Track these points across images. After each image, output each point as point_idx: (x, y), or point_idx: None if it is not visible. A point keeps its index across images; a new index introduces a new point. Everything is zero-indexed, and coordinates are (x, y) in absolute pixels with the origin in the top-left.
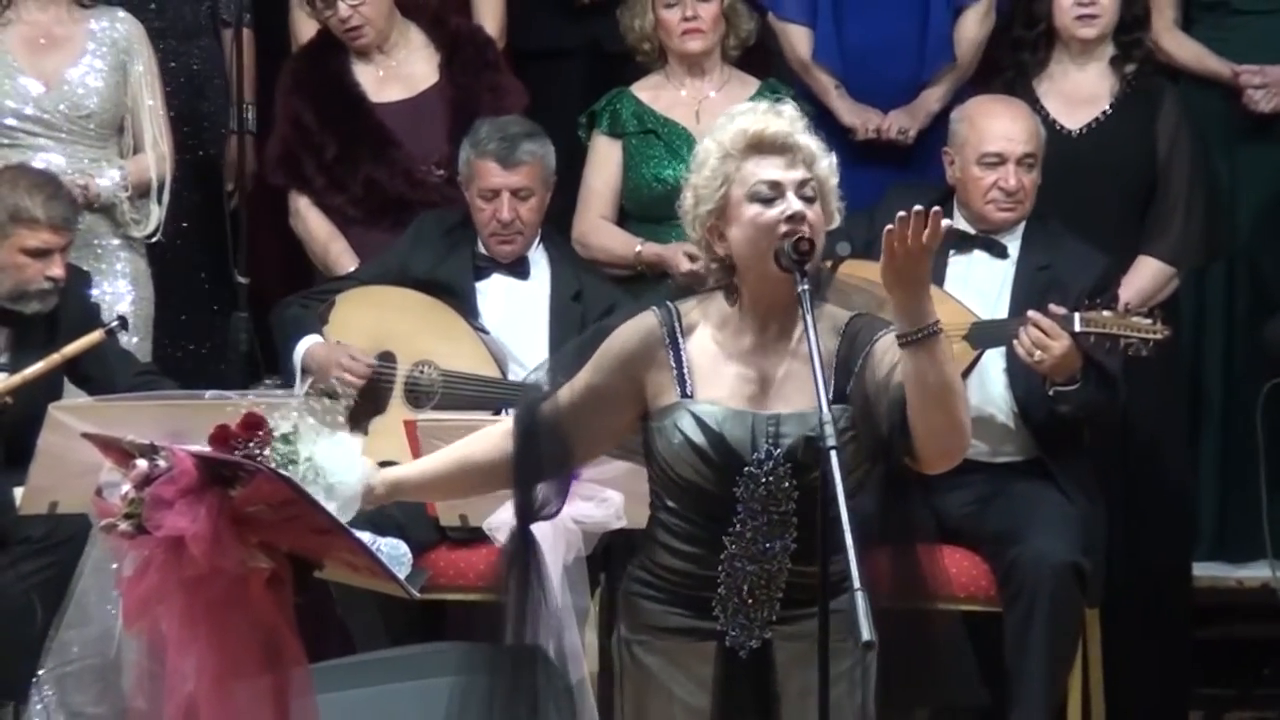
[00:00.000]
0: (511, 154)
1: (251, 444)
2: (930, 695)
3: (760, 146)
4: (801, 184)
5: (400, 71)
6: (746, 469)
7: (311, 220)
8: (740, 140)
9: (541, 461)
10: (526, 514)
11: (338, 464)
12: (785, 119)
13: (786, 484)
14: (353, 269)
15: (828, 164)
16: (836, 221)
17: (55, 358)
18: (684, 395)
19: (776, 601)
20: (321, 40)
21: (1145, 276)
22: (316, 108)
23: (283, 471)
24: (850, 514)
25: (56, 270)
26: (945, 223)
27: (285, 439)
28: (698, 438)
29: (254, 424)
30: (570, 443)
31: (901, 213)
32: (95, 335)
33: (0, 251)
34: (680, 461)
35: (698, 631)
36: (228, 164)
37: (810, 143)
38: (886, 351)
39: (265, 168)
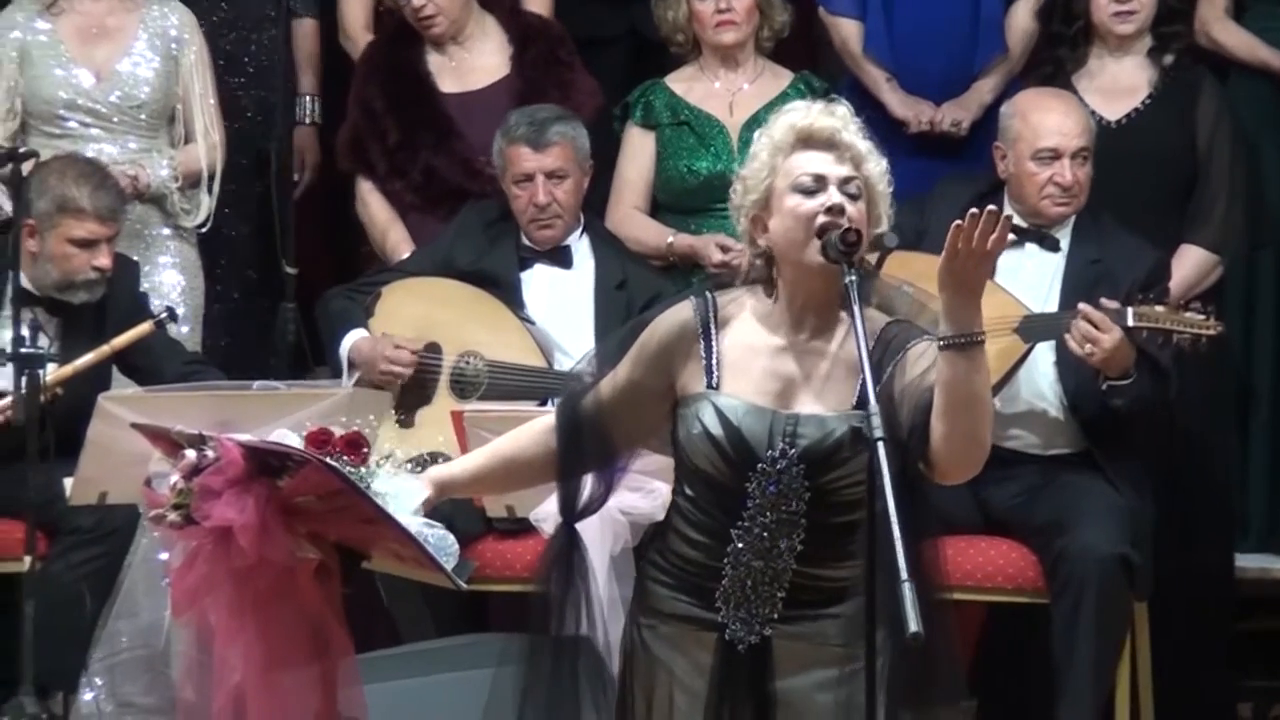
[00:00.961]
0: (541, 136)
1: (345, 458)
2: (927, 698)
3: (808, 141)
4: (846, 180)
5: (472, 63)
6: (760, 465)
7: (373, 205)
8: (789, 134)
9: (585, 455)
10: (571, 508)
11: (401, 497)
12: (837, 118)
13: (798, 484)
14: (407, 256)
15: (877, 167)
16: (884, 226)
17: (105, 349)
18: (710, 386)
19: (779, 600)
20: (399, 28)
21: (1188, 265)
22: (386, 94)
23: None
24: (898, 507)
25: (103, 260)
26: (1006, 213)
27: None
28: (716, 429)
29: (356, 443)
30: (612, 436)
31: (974, 210)
32: (144, 327)
33: (47, 241)
34: (697, 451)
35: (700, 620)
36: (293, 154)
37: (860, 143)
38: (920, 357)
39: (336, 152)
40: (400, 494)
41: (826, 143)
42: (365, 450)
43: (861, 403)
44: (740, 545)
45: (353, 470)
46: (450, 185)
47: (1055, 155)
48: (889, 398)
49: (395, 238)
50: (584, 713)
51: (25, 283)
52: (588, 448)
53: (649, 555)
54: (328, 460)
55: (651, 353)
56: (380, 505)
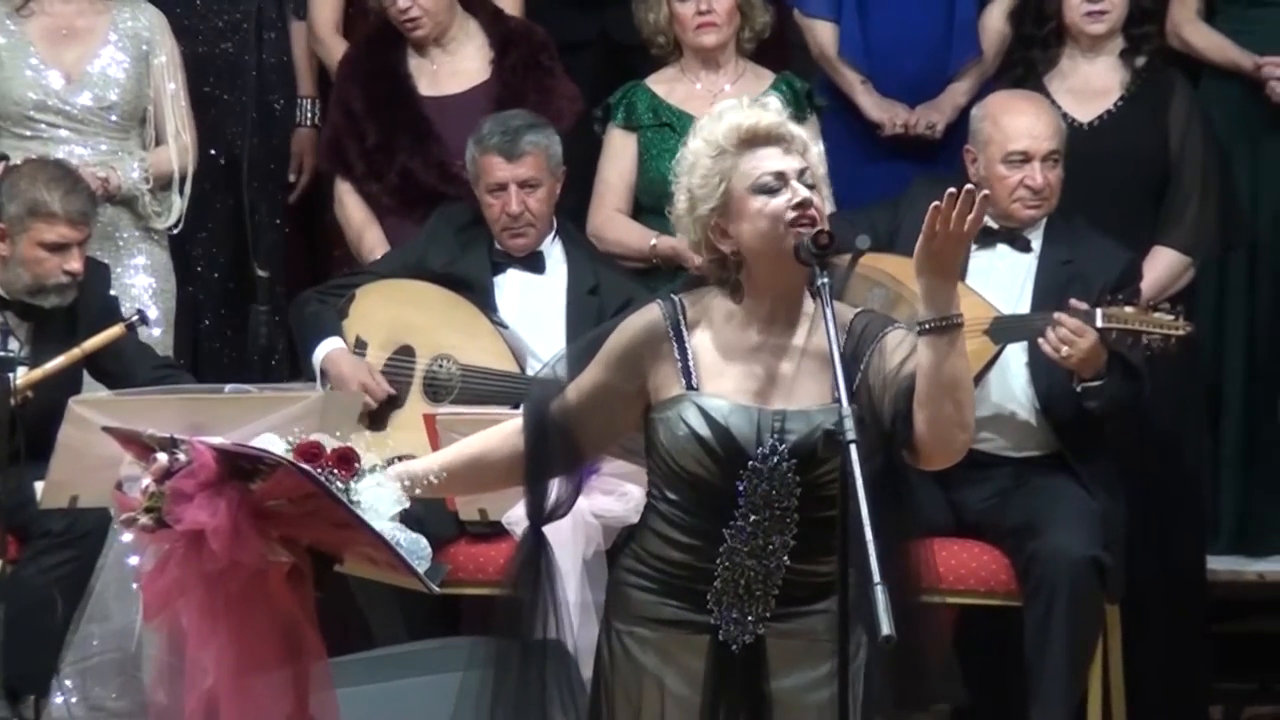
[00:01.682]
0: (515, 146)
1: (334, 472)
2: (915, 693)
3: (755, 140)
4: (801, 172)
5: (453, 66)
6: (751, 464)
7: (350, 206)
8: (734, 136)
9: (552, 458)
10: (539, 511)
11: (378, 507)
12: (773, 110)
13: (790, 480)
14: (376, 259)
15: (817, 152)
16: (830, 208)
17: (75, 352)
18: (689, 388)
19: (772, 598)
20: (382, 29)
21: (1161, 267)
22: (366, 96)
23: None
24: (876, 508)
25: (74, 265)
26: (983, 191)
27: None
28: (703, 430)
29: (348, 458)
30: (579, 439)
31: (951, 189)
32: (115, 330)
33: (19, 246)
34: (684, 453)
35: (691, 624)
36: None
37: (801, 132)
38: (898, 345)
39: (318, 153)
40: (378, 503)
41: (774, 138)
42: (357, 465)
43: (848, 393)
44: (733, 545)
45: (341, 486)
46: (426, 188)
47: (1026, 158)
48: (867, 389)
49: (371, 239)
50: (552, 717)
51: None
52: (555, 450)
53: (625, 562)
54: (305, 468)
55: (620, 355)
56: (352, 509)
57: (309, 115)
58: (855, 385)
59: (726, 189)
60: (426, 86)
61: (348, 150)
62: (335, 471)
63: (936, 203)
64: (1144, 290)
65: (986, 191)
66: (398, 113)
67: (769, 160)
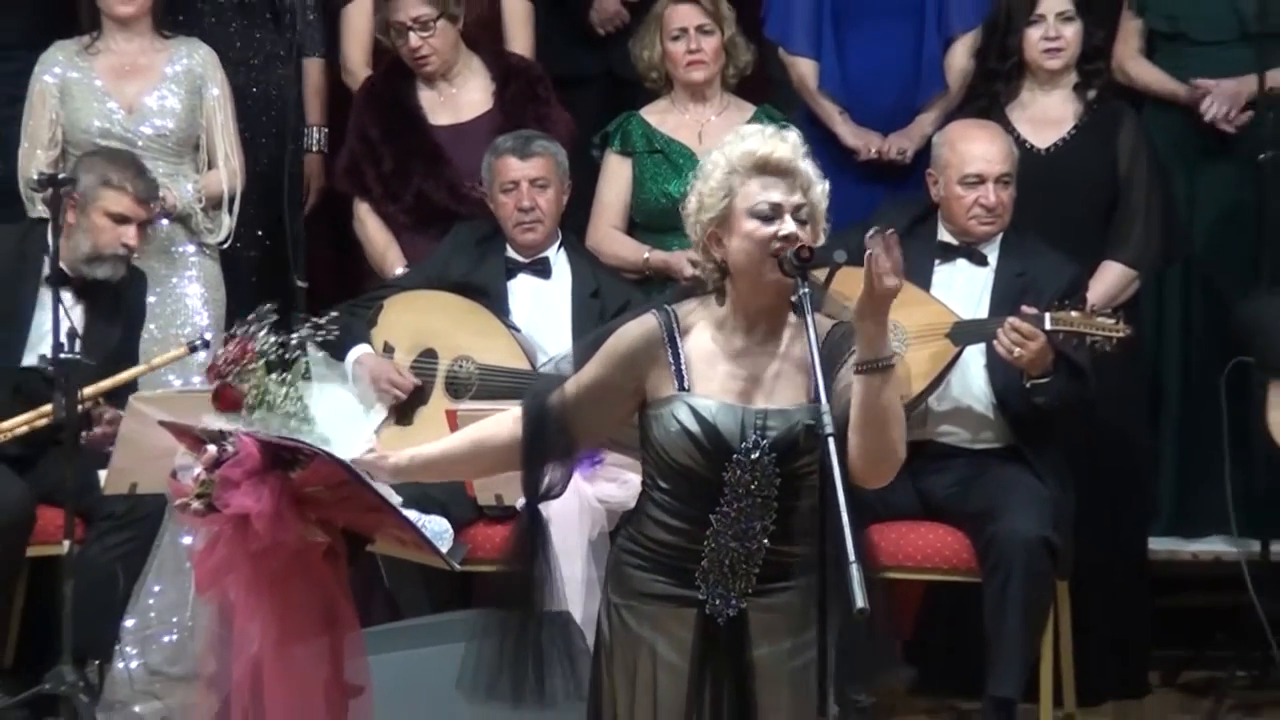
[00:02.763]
0: (527, 148)
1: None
2: (869, 671)
3: (765, 168)
4: (798, 208)
5: (458, 98)
6: (735, 456)
7: (370, 225)
8: (748, 160)
9: (548, 447)
10: (533, 493)
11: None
12: (789, 145)
13: (770, 471)
14: (401, 272)
15: (821, 190)
16: (822, 240)
17: (143, 368)
18: (681, 389)
19: (754, 575)
20: (393, 65)
21: (1109, 280)
22: (381, 125)
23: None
24: (847, 495)
25: (132, 238)
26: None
27: (283, 363)
28: (693, 427)
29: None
30: (574, 430)
31: (871, 233)
32: (180, 351)
33: (87, 214)
34: (676, 447)
35: (680, 599)
36: (303, 178)
37: (809, 170)
38: (849, 368)
39: (335, 176)
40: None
41: (783, 171)
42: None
43: (817, 396)
44: (718, 528)
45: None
46: (439, 207)
47: (980, 180)
48: (837, 394)
49: (392, 255)
50: (553, 682)
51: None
52: (550, 439)
53: (622, 543)
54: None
55: (620, 357)
56: (384, 495)
57: (315, 141)
58: (828, 389)
59: (729, 204)
60: (435, 116)
61: (365, 174)
62: (233, 363)
63: (870, 252)
64: (1094, 300)
65: (893, 230)
66: (411, 140)
67: (771, 190)
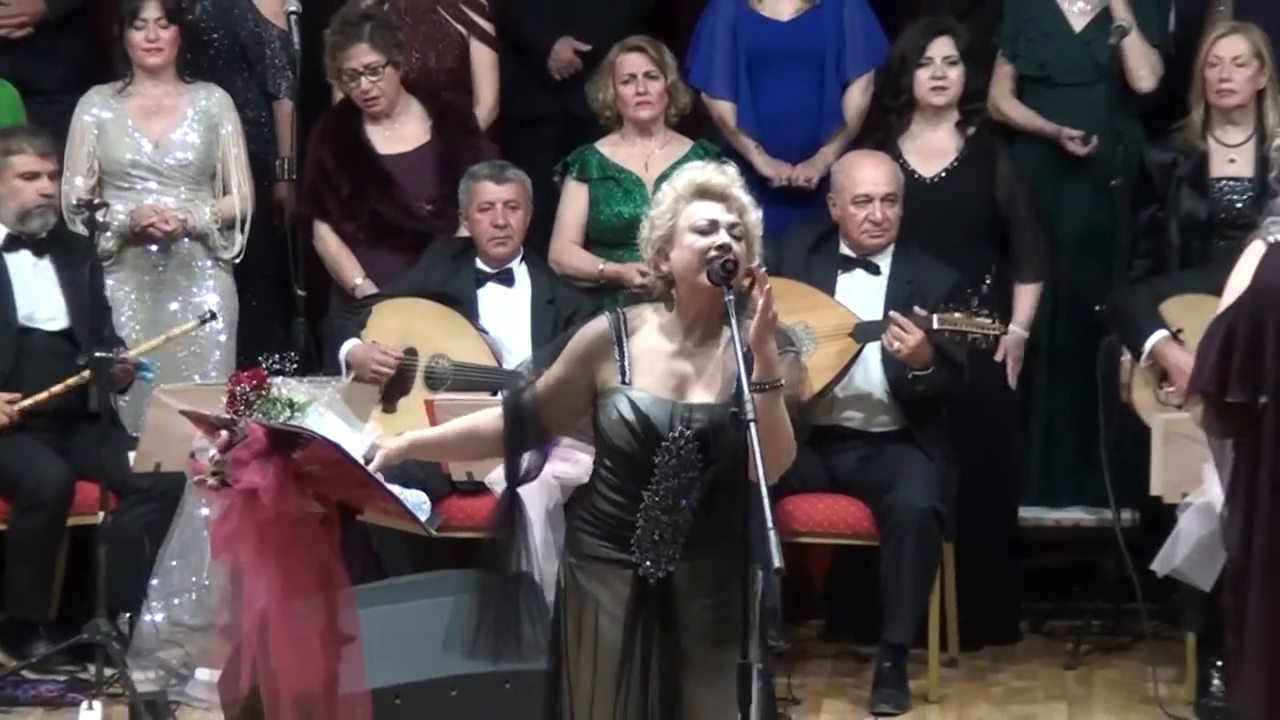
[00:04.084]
0: (502, 174)
1: (250, 389)
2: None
3: (705, 193)
4: (732, 226)
5: (401, 131)
6: (664, 443)
7: (330, 242)
8: (690, 187)
9: (525, 436)
10: (515, 476)
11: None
12: (727, 176)
13: (694, 457)
14: (359, 282)
15: (755, 216)
16: (758, 260)
17: (161, 339)
18: (624, 382)
19: (680, 543)
20: (344, 105)
21: (1027, 299)
22: (337, 155)
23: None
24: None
25: (48, 188)
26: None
27: (289, 404)
28: (630, 416)
29: (258, 381)
30: (546, 420)
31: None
32: (192, 324)
33: (3, 183)
34: (615, 432)
35: (620, 561)
36: (276, 204)
37: (744, 197)
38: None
39: (298, 201)
40: (319, 426)
41: (719, 196)
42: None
43: (739, 387)
44: (650, 503)
45: (259, 395)
46: (393, 225)
47: (868, 199)
48: None
49: (350, 267)
50: (524, 630)
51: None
52: (527, 430)
53: (577, 511)
54: (334, 441)
55: (577, 356)
56: (371, 473)
57: (284, 171)
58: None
59: (674, 224)
60: (382, 147)
61: (325, 199)
62: (251, 389)
63: (769, 286)
64: (1021, 322)
65: (762, 268)
66: (363, 168)
67: (709, 210)
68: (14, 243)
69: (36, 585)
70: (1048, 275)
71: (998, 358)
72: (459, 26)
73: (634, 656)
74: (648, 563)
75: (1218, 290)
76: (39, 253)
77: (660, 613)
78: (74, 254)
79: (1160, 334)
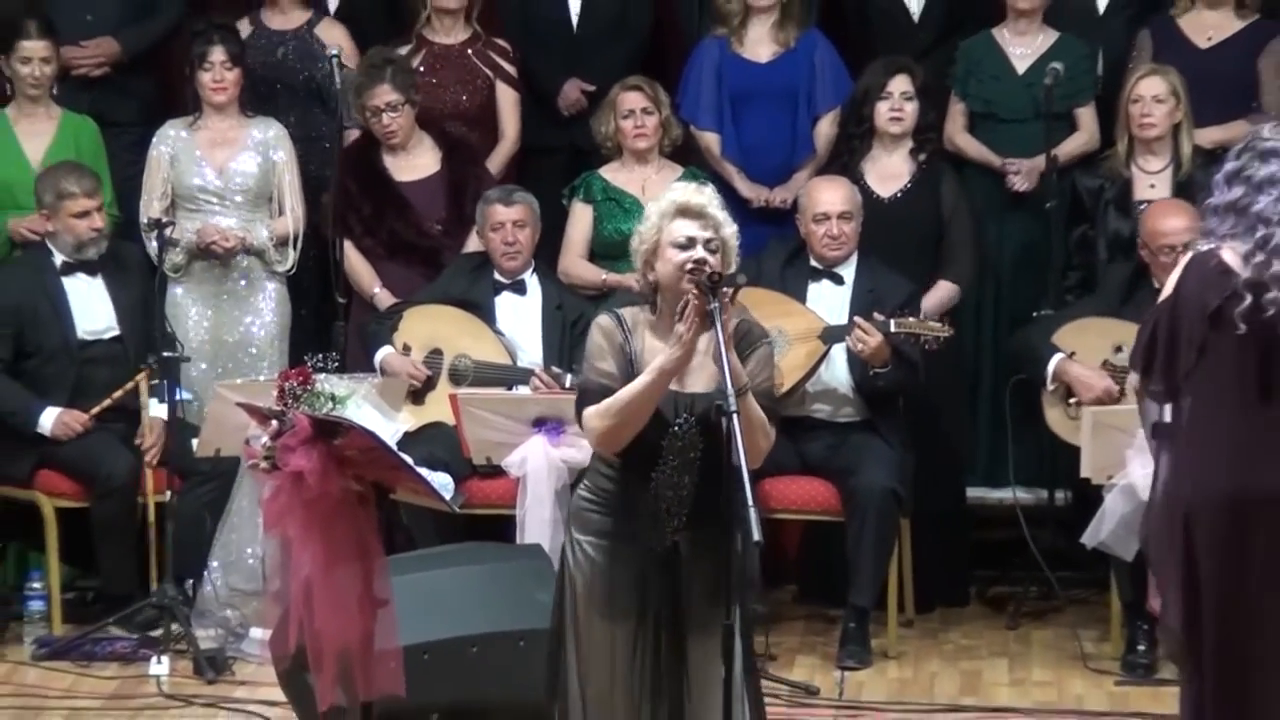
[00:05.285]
0: (510, 197)
1: (298, 385)
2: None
3: (685, 212)
4: (708, 240)
5: (415, 161)
6: (669, 429)
7: (352, 256)
8: (671, 207)
9: None
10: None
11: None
12: (704, 196)
13: (696, 439)
14: (377, 291)
15: (730, 231)
16: (734, 268)
17: (108, 401)
18: (633, 374)
19: (683, 516)
20: (365, 137)
21: (941, 293)
22: (359, 181)
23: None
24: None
25: (98, 223)
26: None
27: (332, 397)
28: None
29: (304, 377)
30: None
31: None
32: (130, 385)
33: (59, 219)
34: None
35: (622, 535)
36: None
37: (719, 214)
38: (754, 361)
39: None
40: (360, 417)
41: (697, 214)
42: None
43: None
44: (657, 481)
45: (305, 390)
46: (406, 241)
47: (826, 217)
48: (753, 374)
49: (369, 277)
50: (534, 597)
51: (60, 258)
52: None
53: (580, 492)
54: (370, 430)
55: (613, 349)
56: (402, 458)
57: None
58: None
59: (658, 239)
60: (399, 174)
61: (349, 219)
62: (298, 385)
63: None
64: (928, 307)
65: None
66: (382, 192)
67: (688, 228)
68: (70, 267)
69: (122, 561)
70: (971, 284)
71: None
72: (487, 70)
73: (647, 618)
74: (652, 536)
75: (1102, 313)
76: (92, 272)
77: (666, 579)
78: (123, 270)
79: (1058, 357)
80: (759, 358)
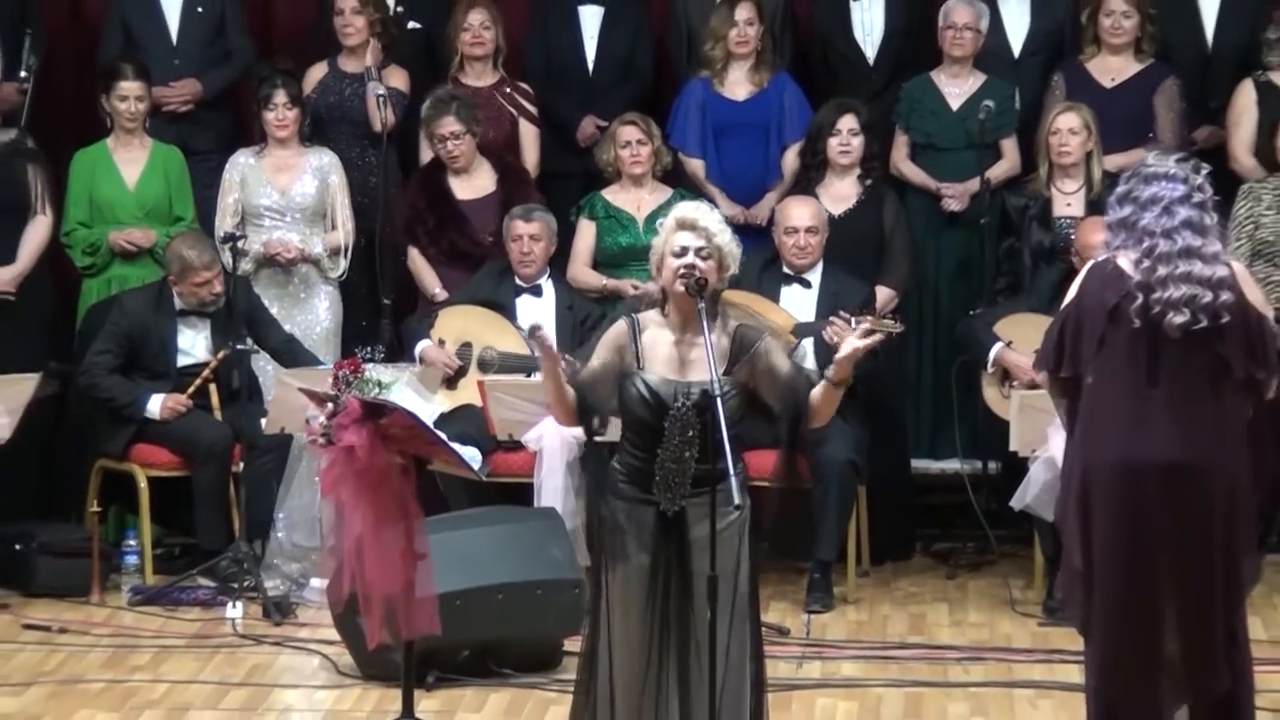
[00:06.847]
0: (529, 214)
1: (351, 373)
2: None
3: (683, 225)
4: (700, 249)
5: (474, 183)
6: (671, 411)
7: (419, 262)
8: (674, 221)
9: (589, 404)
10: (588, 430)
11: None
12: (700, 211)
13: (694, 420)
14: (437, 292)
15: (725, 239)
16: (733, 270)
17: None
18: (639, 367)
19: (687, 484)
20: (433, 162)
21: (882, 297)
22: (426, 198)
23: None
24: (731, 436)
25: (217, 288)
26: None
27: (378, 383)
28: (644, 392)
29: (355, 366)
30: (591, 400)
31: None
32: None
33: (185, 284)
34: (634, 405)
35: (644, 500)
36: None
37: (713, 226)
38: (769, 353)
39: (396, 232)
40: (401, 399)
41: (692, 226)
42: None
43: (728, 372)
44: (663, 456)
45: (356, 377)
46: (464, 251)
47: (795, 230)
48: (754, 372)
49: (430, 280)
50: (550, 552)
51: (180, 304)
52: (589, 399)
53: (613, 464)
54: (411, 411)
55: (610, 346)
56: (438, 434)
57: None
58: (737, 366)
59: (664, 249)
60: (460, 194)
61: (417, 231)
62: (350, 373)
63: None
64: (878, 308)
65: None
66: (445, 209)
67: (684, 238)
68: (186, 313)
69: (217, 521)
70: (908, 288)
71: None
72: (511, 109)
73: (659, 573)
74: (665, 500)
75: (1035, 310)
76: (202, 317)
77: (676, 538)
78: (224, 318)
79: (999, 345)
80: (772, 353)
